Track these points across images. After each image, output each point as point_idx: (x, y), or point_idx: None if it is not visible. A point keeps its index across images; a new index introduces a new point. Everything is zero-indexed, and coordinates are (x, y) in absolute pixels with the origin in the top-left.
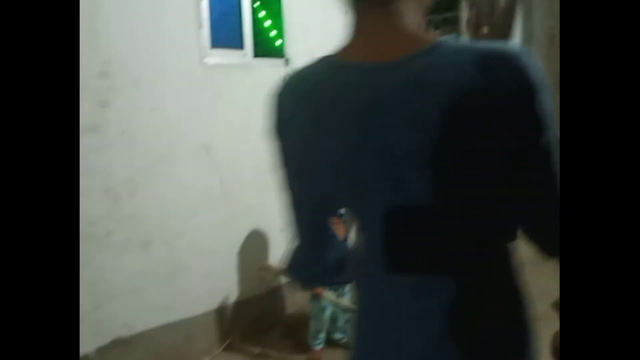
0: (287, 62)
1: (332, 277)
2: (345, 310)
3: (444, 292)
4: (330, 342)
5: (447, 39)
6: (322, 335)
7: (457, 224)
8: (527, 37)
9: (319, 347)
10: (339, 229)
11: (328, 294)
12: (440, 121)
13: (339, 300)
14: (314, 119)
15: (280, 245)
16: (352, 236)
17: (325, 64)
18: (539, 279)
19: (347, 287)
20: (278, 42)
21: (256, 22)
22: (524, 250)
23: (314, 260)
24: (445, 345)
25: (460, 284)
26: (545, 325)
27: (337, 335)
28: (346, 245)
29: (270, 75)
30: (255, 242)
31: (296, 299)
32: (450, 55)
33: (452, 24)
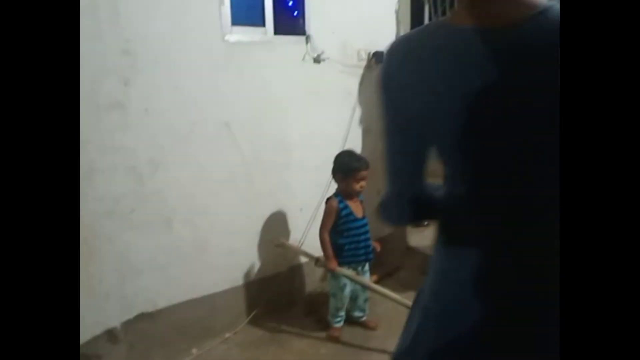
0: (308, 39)
1: (419, 218)
2: (364, 288)
3: (524, 239)
4: (350, 320)
5: (554, 2)
6: (342, 313)
7: (542, 177)
8: None
9: (338, 325)
10: (357, 208)
11: (345, 271)
12: (544, 84)
13: (357, 278)
14: (427, 76)
15: (300, 223)
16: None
17: (437, 27)
18: None
19: (367, 266)
20: (299, 19)
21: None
22: None
23: (404, 202)
24: (523, 285)
25: (537, 231)
26: None
27: (357, 314)
28: (435, 189)
29: (291, 52)
30: (275, 220)
31: (316, 277)
32: (556, 19)
33: None
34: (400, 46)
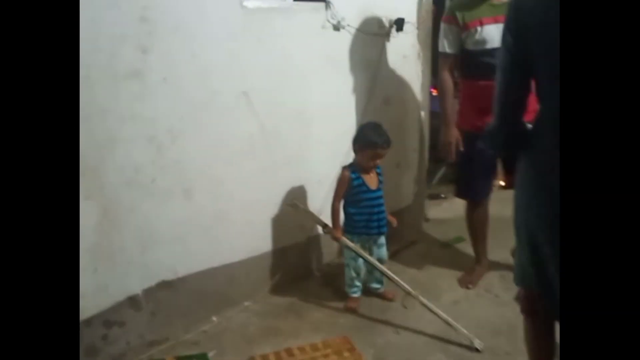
0: (327, 5)
1: (511, 146)
2: (381, 260)
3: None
4: (367, 292)
5: None
6: (358, 283)
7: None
8: None
9: (355, 295)
10: (371, 180)
11: (348, 242)
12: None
13: (359, 250)
14: (537, 19)
15: (318, 194)
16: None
17: None
18: None
19: (382, 239)
20: None
21: None
22: None
23: (505, 131)
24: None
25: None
26: None
27: (374, 285)
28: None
29: (310, 19)
30: (293, 191)
31: (334, 248)
32: None
33: None
34: None
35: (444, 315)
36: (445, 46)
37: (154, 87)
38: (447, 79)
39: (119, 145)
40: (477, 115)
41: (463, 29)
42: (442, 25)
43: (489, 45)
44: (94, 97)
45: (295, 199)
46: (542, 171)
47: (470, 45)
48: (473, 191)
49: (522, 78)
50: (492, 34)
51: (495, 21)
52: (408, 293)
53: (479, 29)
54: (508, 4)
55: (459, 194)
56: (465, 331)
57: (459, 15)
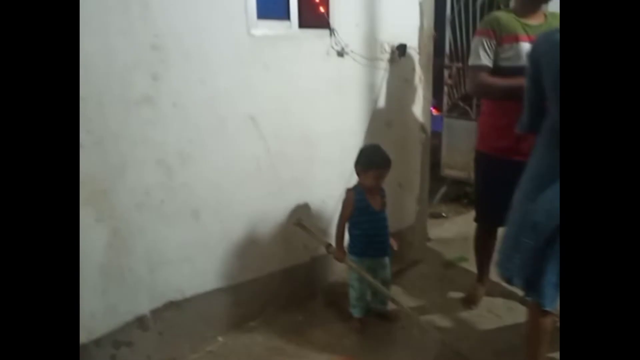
0: (332, 32)
1: (533, 130)
2: (385, 280)
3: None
4: (372, 313)
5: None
6: (362, 304)
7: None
8: None
9: (359, 315)
10: (375, 201)
11: (351, 263)
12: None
13: (361, 272)
14: (547, 59)
15: (323, 214)
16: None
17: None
18: None
19: (386, 260)
20: (323, 13)
21: None
22: None
23: (531, 123)
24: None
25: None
26: None
27: (379, 306)
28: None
29: (315, 45)
30: (299, 212)
31: (339, 268)
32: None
33: None
34: (541, 39)
35: (440, 337)
36: (481, 58)
37: (165, 112)
38: (486, 78)
39: (129, 168)
40: (498, 136)
41: (499, 43)
42: (478, 39)
43: (521, 62)
44: (106, 122)
45: (301, 219)
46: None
47: (502, 61)
48: (491, 218)
49: (537, 94)
50: (525, 52)
51: (530, 40)
52: (408, 314)
53: (514, 45)
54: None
55: (479, 219)
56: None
57: (497, 29)
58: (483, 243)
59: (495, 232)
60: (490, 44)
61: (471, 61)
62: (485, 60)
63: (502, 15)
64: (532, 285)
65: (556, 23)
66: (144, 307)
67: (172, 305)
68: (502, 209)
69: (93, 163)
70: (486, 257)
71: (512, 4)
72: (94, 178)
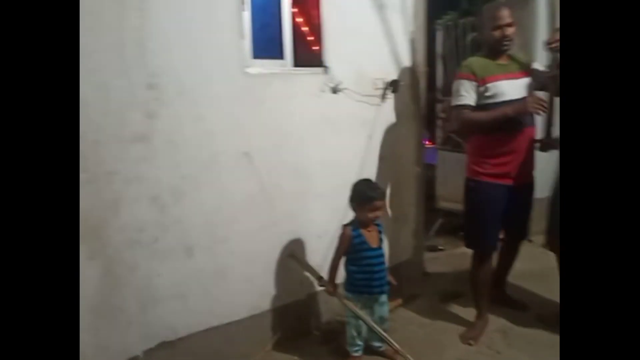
0: (325, 70)
1: None
2: (382, 318)
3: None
4: (369, 350)
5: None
6: (360, 342)
7: None
8: None
9: (356, 354)
10: (372, 238)
11: (344, 299)
12: None
13: (354, 309)
14: None
15: (318, 249)
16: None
17: None
18: None
19: (384, 297)
20: (317, 51)
21: (295, 32)
22: None
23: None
24: None
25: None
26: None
27: (376, 344)
28: None
29: (309, 83)
30: (294, 247)
31: (334, 305)
32: None
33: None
34: None
35: None
36: (463, 97)
37: (159, 149)
38: (469, 113)
39: (123, 205)
40: (486, 164)
41: (480, 84)
42: (460, 82)
43: (501, 99)
44: (101, 159)
45: (294, 251)
46: None
47: (486, 99)
48: (483, 242)
49: None
50: (504, 88)
51: (506, 77)
52: (396, 351)
53: (495, 83)
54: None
55: (470, 244)
56: None
57: (477, 72)
58: (480, 275)
59: (490, 261)
60: (471, 85)
61: (454, 102)
62: (467, 99)
63: (477, 59)
64: None
65: (518, 62)
66: (137, 347)
67: (165, 346)
68: (495, 232)
69: (86, 200)
70: (484, 290)
71: (482, 50)
72: (87, 215)
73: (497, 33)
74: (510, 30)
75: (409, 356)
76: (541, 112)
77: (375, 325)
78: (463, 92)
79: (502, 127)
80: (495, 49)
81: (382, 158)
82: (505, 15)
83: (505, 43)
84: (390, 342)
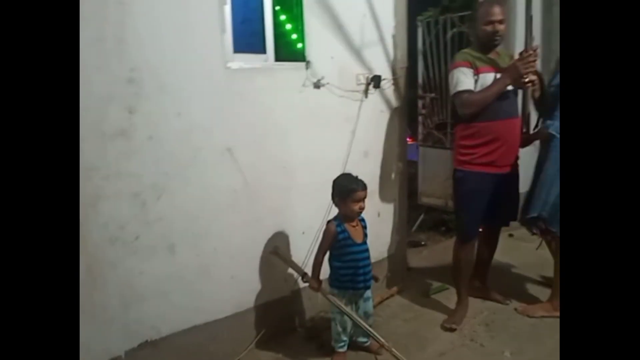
0: (308, 65)
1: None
2: (367, 313)
3: None
4: (354, 346)
5: None
6: (345, 338)
7: None
8: (547, 33)
9: (342, 350)
10: (356, 233)
11: (328, 294)
12: None
13: (339, 304)
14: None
15: (303, 246)
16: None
17: None
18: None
19: (368, 293)
20: (299, 46)
21: (277, 27)
22: None
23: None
24: None
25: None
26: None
27: (361, 339)
28: None
29: (291, 78)
30: (278, 244)
31: (319, 301)
32: None
33: (468, 22)
34: None
35: None
36: (465, 83)
37: (140, 145)
38: (474, 95)
39: (103, 202)
40: (473, 154)
41: (475, 73)
42: (460, 69)
43: None
44: (81, 155)
45: (277, 247)
46: None
47: (476, 89)
48: (468, 228)
49: None
50: (491, 81)
51: (496, 71)
52: (382, 346)
53: (486, 75)
54: None
55: (464, 237)
56: None
57: (472, 61)
58: (463, 260)
59: (473, 248)
60: (469, 72)
61: (457, 87)
62: (468, 85)
63: (470, 51)
64: None
65: (504, 58)
66: (119, 347)
67: (148, 345)
68: (477, 220)
69: None
70: (465, 275)
71: (473, 44)
72: None
73: (489, 28)
74: (501, 27)
75: (394, 350)
76: (532, 75)
77: (360, 321)
78: (463, 78)
79: (489, 115)
80: (486, 44)
81: (366, 153)
82: (498, 12)
83: (496, 38)
84: (376, 337)
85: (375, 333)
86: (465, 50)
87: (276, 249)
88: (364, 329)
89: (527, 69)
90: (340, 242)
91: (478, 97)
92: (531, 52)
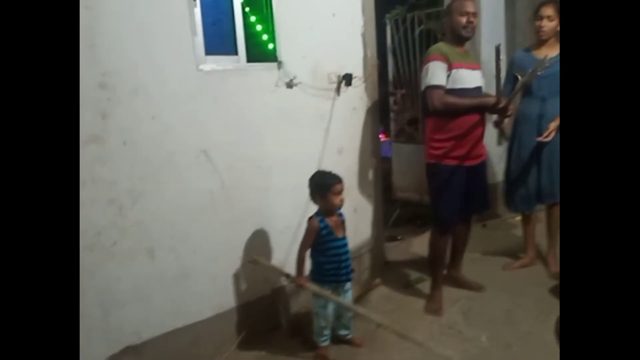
0: (279, 65)
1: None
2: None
3: None
4: (336, 339)
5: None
6: (327, 332)
7: None
8: (511, 26)
9: (324, 344)
10: (337, 228)
11: (315, 288)
12: None
13: (328, 294)
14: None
15: (281, 245)
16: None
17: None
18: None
19: (348, 285)
20: (270, 47)
21: (248, 28)
22: None
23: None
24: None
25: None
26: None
27: (342, 332)
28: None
29: (264, 78)
30: (257, 243)
31: (300, 298)
32: None
33: (435, 19)
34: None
35: (419, 340)
36: (439, 78)
37: (114, 150)
38: (448, 96)
39: (79, 209)
40: (444, 148)
41: (449, 68)
42: (433, 63)
43: (460, 85)
44: None
45: (257, 253)
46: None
47: (449, 84)
48: (443, 218)
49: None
50: (464, 75)
51: (467, 67)
52: (379, 325)
53: (459, 70)
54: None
55: (439, 222)
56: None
57: (446, 56)
58: (439, 248)
59: (448, 236)
60: (443, 67)
61: (431, 82)
62: (441, 80)
63: (444, 45)
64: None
65: (473, 55)
66: (100, 353)
67: (129, 350)
68: (454, 209)
69: None
70: (440, 262)
71: (446, 38)
72: None
73: (463, 19)
74: (474, 19)
75: (391, 327)
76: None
77: (354, 307)
78: (438, 73)
79: (478, 111)
80: (459, 36)
81: (340, 151)
82: (471, 5)
83: (469, 29)
84: (372, 317)
85: (370, 314)
86: (439, 44)
87: (254, 259)
88: (358, 312)
89: (507, 116)
90: (324, 238)
91: (452, 101)
92: (511, 109)
